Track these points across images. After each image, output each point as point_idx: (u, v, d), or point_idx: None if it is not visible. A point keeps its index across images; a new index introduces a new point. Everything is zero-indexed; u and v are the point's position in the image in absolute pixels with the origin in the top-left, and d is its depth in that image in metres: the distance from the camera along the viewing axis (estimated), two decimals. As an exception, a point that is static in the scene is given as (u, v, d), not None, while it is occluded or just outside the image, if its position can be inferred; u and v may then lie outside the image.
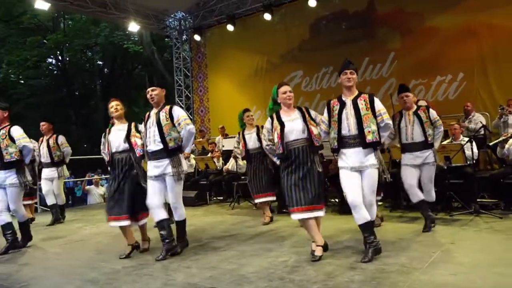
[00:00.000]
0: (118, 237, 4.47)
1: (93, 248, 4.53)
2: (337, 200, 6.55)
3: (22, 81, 20.23)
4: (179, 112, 3.98)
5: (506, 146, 5.20)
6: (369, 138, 3.49)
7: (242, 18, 11.47)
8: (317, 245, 3.60)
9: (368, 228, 3.50)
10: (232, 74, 12.03)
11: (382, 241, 3.64)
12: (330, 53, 9.73)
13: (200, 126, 12.58)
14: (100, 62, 22.76)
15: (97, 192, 11.37)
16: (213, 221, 6.04)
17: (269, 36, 11.04)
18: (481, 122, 6.93)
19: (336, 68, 7.05)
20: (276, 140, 3.72)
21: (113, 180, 4.14)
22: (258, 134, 5.49)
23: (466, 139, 5.53)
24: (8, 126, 4.59)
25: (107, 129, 4.28)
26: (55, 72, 21.99)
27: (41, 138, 6.55)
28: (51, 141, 6.38)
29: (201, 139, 10.43)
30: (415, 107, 4.68)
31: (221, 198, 8.50)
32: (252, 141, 5.58)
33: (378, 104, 3.59)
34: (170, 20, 13.13)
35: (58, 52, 21.01)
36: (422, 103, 7.05)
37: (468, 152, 5.38)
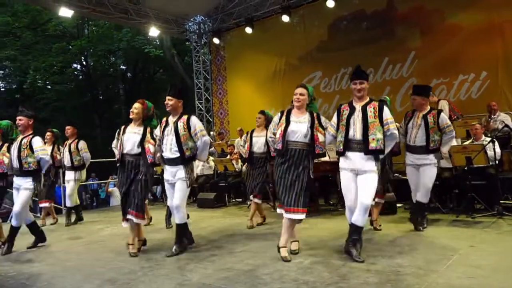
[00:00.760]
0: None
1: (113, 249, 4.62)
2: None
3: (49, 86, 20.88)
4: (196, 123, 4.13)
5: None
6: (373, 145, 3.53)
7: (261, 21, 11.54)
8: (280, 246, 3.73)
9: (357, 231, 3.57)
10: (251, 76, 12.08)
11: (398, 243, 3.59)
12: (349, 54, 9.63)
13: (219, 128, 12.67)
14: (123, 67, 23.26)
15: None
16: (231, 222, 6.08)
17: (287, 38, 11.04)
18: (504, 122, 6.73)
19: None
20: (278, 135, 3.81)
21: (123, 184, 4.29)
22: (266, 140, 5.37)
23: (488, 139, 5.40)
24: (31, 136, 4.76)
25: (122, 127, 4.42)
26: (80, 77, 22.59)
27: (65, 142, 6.75)
28: (73, 146, 6.57)
29: (220, 142, 10.50)
30: (427, 109, 4.58)
31: (240, 200, 8.54)
32: (258, 145, 5.50)
33: (386, 113, 3.62)
34: (189, 24, 13.34)
35: (82, 58, 21.61)
36: (444, 102, 6.94)
37: (490, 153, 5.25)
